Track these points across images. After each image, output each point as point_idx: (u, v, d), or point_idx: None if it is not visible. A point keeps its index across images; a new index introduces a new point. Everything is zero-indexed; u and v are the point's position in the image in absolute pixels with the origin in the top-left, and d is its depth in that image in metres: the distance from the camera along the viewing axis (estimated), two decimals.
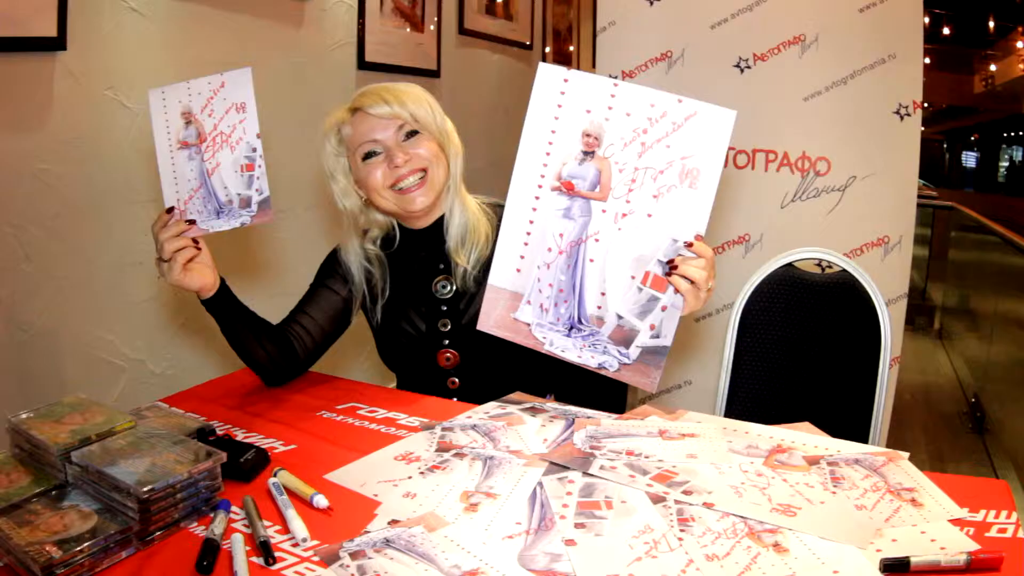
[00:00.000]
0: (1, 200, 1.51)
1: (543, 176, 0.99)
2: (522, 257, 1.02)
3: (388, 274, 1.36)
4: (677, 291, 0.96)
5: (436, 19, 2.85)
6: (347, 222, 1.34)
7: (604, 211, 0.98)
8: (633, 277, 0.98)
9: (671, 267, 0.96)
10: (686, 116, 0.94)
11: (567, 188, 0.99)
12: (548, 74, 0.98)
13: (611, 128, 0.96)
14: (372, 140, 1.26)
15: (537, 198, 1.00)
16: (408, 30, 2.69)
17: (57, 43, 1.54)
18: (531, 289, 1.03)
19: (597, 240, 0.99)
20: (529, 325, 1.03)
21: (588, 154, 0.97)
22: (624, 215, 0.97)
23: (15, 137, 1.52)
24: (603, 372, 1.01)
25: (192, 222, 1.16)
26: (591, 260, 1.00)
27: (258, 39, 2.07)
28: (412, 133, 1.26)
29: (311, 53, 2.28)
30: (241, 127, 1.15)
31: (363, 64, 2.46)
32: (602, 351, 1.01)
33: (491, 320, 1.04)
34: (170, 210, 1.16)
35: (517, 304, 1.03)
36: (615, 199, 0.97)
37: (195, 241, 1.16)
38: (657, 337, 0.99)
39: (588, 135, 0.97)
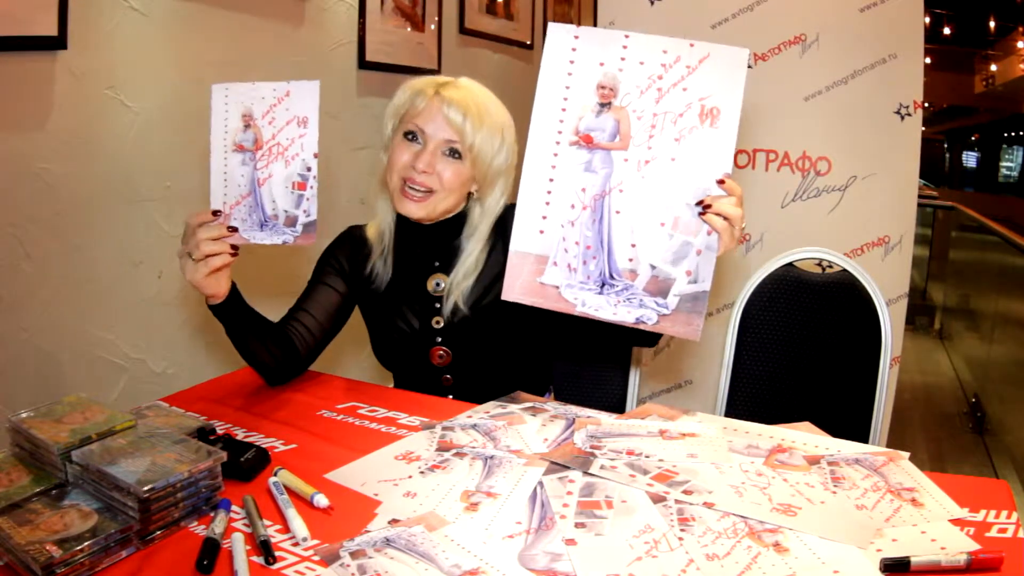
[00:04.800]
0: (1, 200, 1.50)
1: (560, 132, 0.97)
2: (544, 218, 0.99)
3: (391, 272, 1.36)
4: (710, 232, 0.95)
5: (437, 19, 2.84)
6: (379, 174, 1.32)
7: (626, 160, 0.96)
8: (663, 224, 0.96)
9: (704, 207, 0.94)
10: (700, 58, 0.93)
11: (586, 141, 0.97)
12: (558, 33, 0.97)
13: (626, 78, 0.95)
14: (421, 129, 1.23)
15: (556, 155, 0.98)
16: (409, 29, 2.69)
17: (58, 42, 1.54)
18: (557, 249, 0.99)
19: (621, 191, 0.97)
20: (558, 287, 0.99)
21: (604, 106, 0.96)
22: (647, 162, 0.96)
23: (15, 137, 1.52)
24: (642, 327, 0.98)
25: (234, 229, 1.13)
26: (617, 212, 0.97)
27: (258, 38, 2.06)
28: (456, 153, 1.23)
29: (311, 52, 2.27)
30: (300, 142, 1.12)
31: (363, 64, 2.46)
32: (638, 304, 0.98)
33: (516, 288, 1.00)
34: (216, 212, 1.13)
35: (543, 267, 0.99)
36: (636, 147, 0.96)
37: (233, 248, 1.14)
38: (695, 282, 0.96)
39: (603, 87, 0.96)
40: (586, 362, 1.58)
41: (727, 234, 0.94)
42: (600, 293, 0.99)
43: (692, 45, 0.93)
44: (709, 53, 0.93)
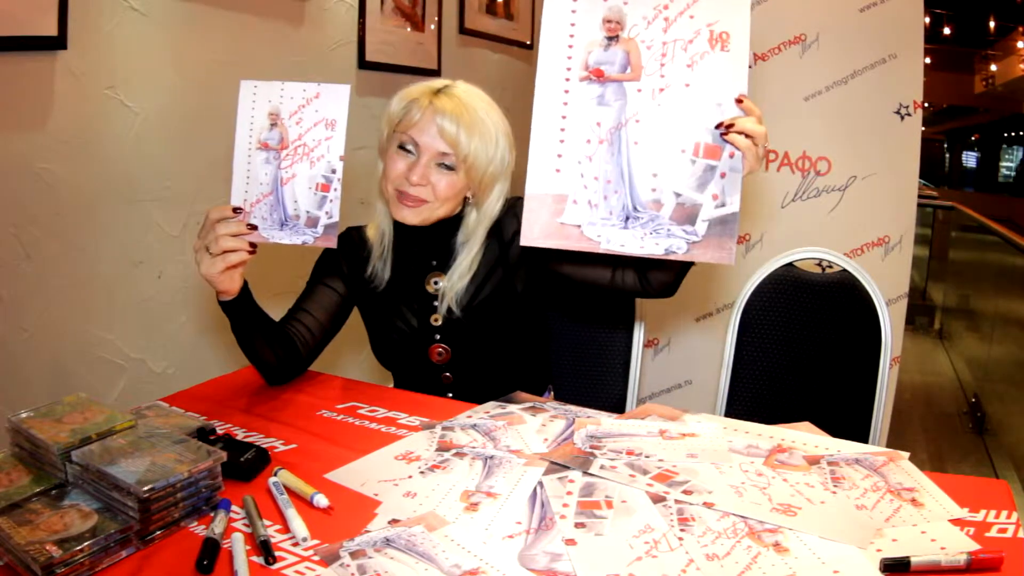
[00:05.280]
0: (1, 200, 1.50)
1: (569, 69, 0.97)
2: (560, 156, 0.97)
3: (389, 271, 1.36)
4: (732, 155, 0.94)
5: (437, 19, 2.84)
6: (377, 179, 1.31)
7: (639, 90, 0.95)
8: (684, 150, 0.95)
9: (726, 127, 0.93)
10: None
11: (596, 75, 0.96)
12: None
13: (631, 10, 0.95)
14: (415, 141, 1.22)
15: (567, 92, 0.97)
16: (409, 30, 2.69)
17: (58, 42, 1.53)
18: (575, 187, 0.97)
19: (638, 121, 0.96)
20: (579, 226, 0.97)
21: (612, 39, 0.96)
22: (661, 90, 0.95)
23: (15, 137, 1.52)
24: (672, 257, 0.96)
25: (254, 227, 1.14)
26: (635, 143, 0.96)
27: (258, 38, 2.06)
28: (449, 165, 1.23)
29: (311, 52, 2.27)
30: (326, 144, 1.12)
31: (363, 64, 2.46)
32: (666, 235, 0.96)
33: (535, 231, 0.98)
34: (237, 209, 1.13)
35: (562, 207, 0.97)
36: (648, 76, 0.95)
37: (251, 246, 1.14)
38: (723, 206, 0.94)
39: (609, 21, 0.95)
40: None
41: (751, 153, 0.93)
42: (625, 227, 0.97)
43: None
44: None
